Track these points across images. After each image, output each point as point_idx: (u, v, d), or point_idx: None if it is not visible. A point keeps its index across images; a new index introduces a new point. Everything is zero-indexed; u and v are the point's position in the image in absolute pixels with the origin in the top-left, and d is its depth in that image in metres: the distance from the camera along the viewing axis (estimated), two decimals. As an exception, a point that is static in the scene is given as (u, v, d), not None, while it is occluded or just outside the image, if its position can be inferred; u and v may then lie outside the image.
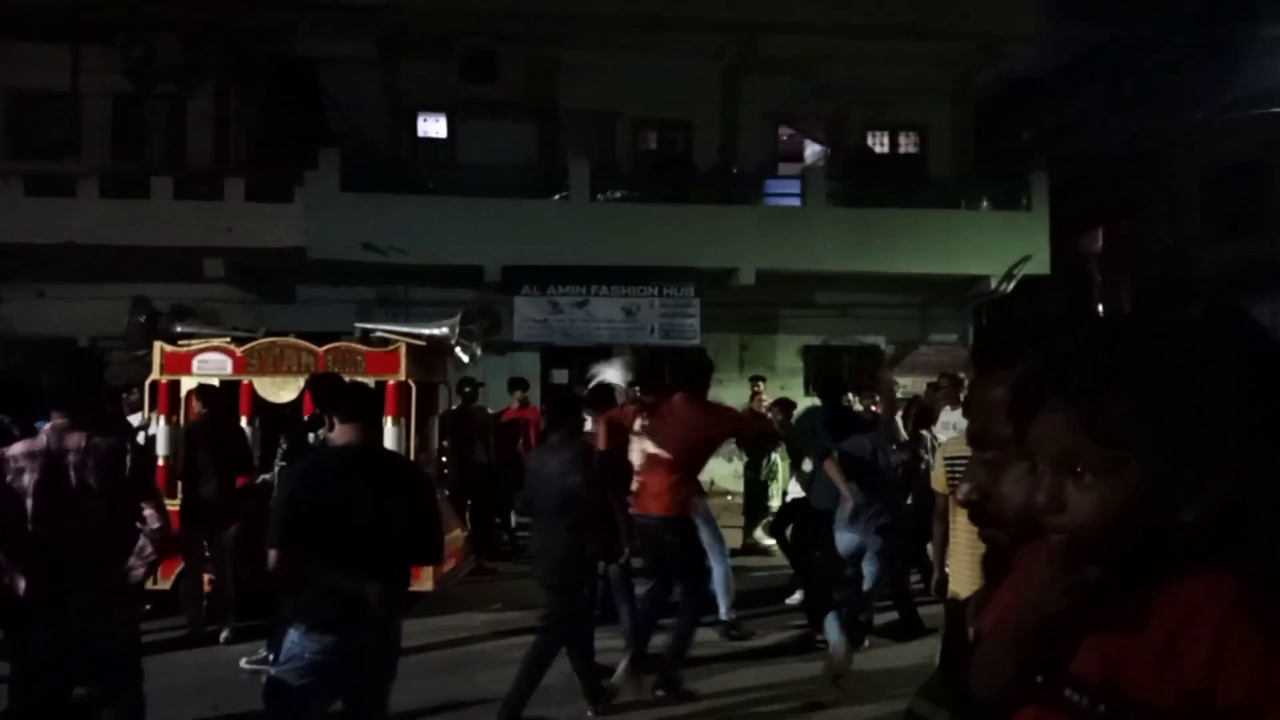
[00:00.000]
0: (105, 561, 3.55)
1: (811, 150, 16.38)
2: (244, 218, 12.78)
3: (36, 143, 14.16)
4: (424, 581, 6.31)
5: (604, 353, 14.70)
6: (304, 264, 12.97)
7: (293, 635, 3.38)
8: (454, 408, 9.32)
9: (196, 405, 7.10)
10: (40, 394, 3.71)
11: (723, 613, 6.68)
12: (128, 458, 3.59)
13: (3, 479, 3.39)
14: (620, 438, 5.56)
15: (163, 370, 7.22)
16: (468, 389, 9.76)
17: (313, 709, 3.47)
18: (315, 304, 13.26)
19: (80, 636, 3.41)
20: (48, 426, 3.53)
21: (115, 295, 12.26)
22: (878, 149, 16.01)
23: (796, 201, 14.54)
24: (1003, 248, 14.19)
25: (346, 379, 4.62)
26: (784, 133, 16.22)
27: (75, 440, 3.49)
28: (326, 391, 3.61)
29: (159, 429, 7.16)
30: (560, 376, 14.54)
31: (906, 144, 16.26)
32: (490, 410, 10.45)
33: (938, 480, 4.19)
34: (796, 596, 7.40)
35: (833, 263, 13.86)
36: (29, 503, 3.40)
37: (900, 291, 14.76)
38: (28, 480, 3.41)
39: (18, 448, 3.49)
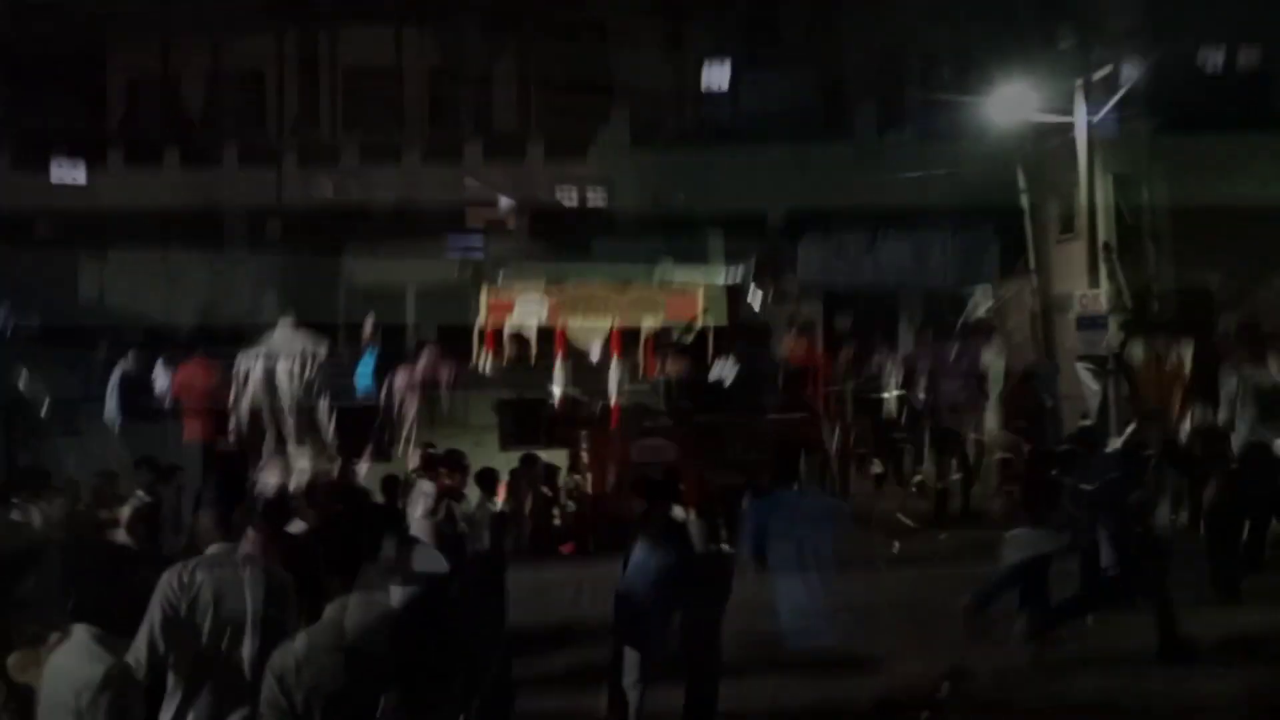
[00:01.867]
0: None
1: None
2: (544, 176, 13.70)
3: (368, 114, 15.89)
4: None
5: (890, 296, 14.27)
6: (598, 217, 13.65)
7: (639, 550, 3.67)
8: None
9: (510, 349, 7.75)
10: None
11: None
12: None
13: None
14: None
15: (487, 316, 7.90)
16: (757, 332, 9.86)
17: (655, 619, 3.75)
18: (610, 255, 13.87)
19: None
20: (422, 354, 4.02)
21: (436, 251, 13.53)
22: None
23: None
24: None
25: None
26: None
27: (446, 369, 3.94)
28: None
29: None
30: (843, 321, 14.27)
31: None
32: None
33: None
34: None
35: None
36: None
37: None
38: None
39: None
